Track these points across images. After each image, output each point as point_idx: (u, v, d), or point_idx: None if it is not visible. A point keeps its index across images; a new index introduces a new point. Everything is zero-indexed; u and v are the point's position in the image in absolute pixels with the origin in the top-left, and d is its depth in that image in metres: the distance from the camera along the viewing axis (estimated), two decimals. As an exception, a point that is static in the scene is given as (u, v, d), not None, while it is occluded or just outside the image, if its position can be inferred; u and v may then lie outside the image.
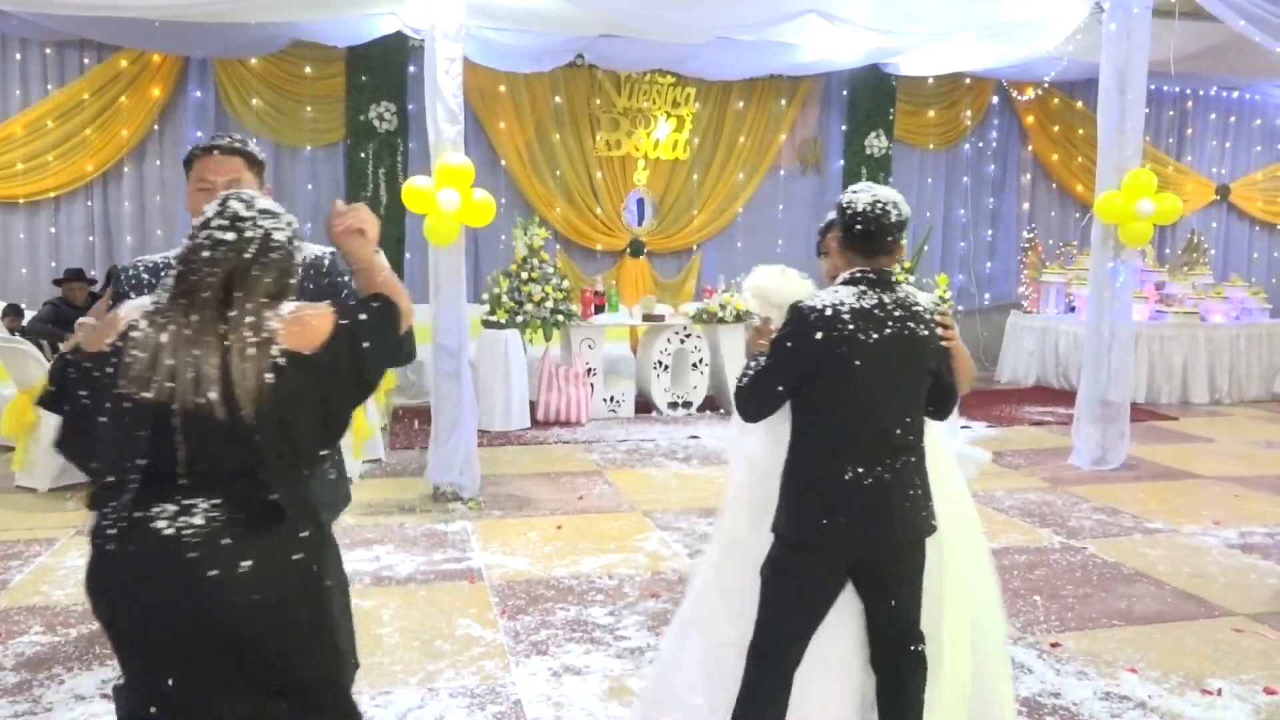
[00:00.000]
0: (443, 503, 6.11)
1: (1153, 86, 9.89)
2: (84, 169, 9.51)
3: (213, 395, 1.93)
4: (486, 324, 8.53)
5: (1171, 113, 12.78)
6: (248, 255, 2.04)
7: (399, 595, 4.61)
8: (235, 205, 2.08)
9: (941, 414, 2.84)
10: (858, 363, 2.55)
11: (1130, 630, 4.32)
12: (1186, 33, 8.25)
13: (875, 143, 11.47)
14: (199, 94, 9.76)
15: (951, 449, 3.34)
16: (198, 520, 1.95)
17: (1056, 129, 12.31)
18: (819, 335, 2.56)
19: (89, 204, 9.70)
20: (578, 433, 8.32)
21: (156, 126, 9.75)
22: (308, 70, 9.92)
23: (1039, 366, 10.86)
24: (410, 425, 8.35)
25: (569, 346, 8.91)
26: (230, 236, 2.05)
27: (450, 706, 3.54)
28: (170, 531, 1.93)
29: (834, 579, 2.67)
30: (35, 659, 3.88)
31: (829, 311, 2.57)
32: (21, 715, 3.44)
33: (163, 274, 2.49)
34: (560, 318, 8.57)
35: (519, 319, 8.47)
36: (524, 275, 8.53)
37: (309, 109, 10.00)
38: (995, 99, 12.14)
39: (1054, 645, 4.13)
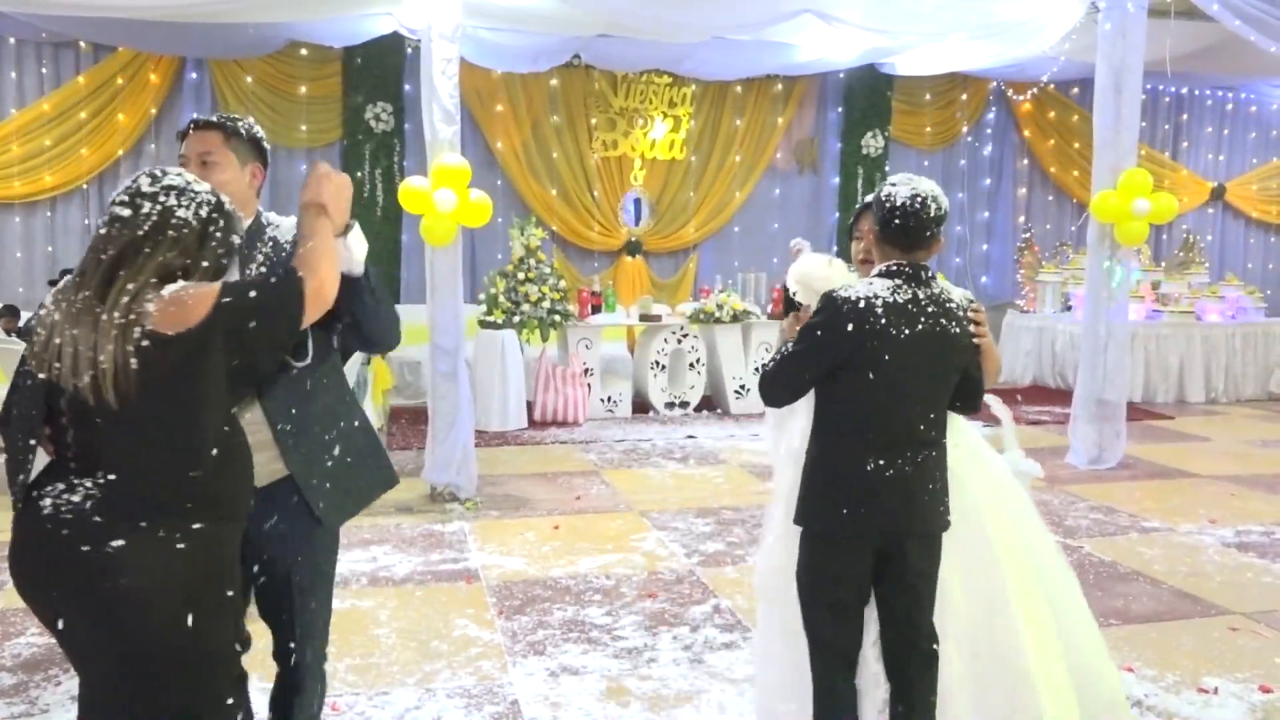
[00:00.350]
0: (440, 503, 6.11)
1: (1148, 86, 9.92)
2: (79, 170, 9.50)
3: (86, 379, 1.88)
4: (483, 324, 8.53)
5: (1167, 112, 12.81)
6: (141, 233, 1.96)
7: (396, 596, 4.61)
8: (141, 181, 2.02)
9: (969, 409, 2.85)
10: (888, 357, 2.55)
11: (1127, 629, 4.32)
12: (1182, 32, 8.25)
13: (871, 142, 11.48)
14: (195, 95, 9.76)
15: (1007, 461, 3.37)
16: (76, 497, 1.92)
17: (1052, 129, 12.33)
18: (850, 327, 2.55)
19: (85, 206, 9.69)
20: (575, 433, 8.32)
21: (152, 128, 9.75)
22: (304, 71, 9.91)
23: (1035, 366, 10.89)
24: (407, 425, 8.35)
25: (566, 347, 8.91)
26: (126, 213, 1.98)
27: (447, 707, 3.54)
28: (50, 510, 1.92)
29: (863, 566, 2.67)
30: (32, 660, 3.88)
31: (862, 304, 2.55)
32: (19, 717, 3.44)
33: None
34: (557, 318, 8.57)
35: (516, 319, 8.47)
36: (521, 275, 8.53)
37: (305, 109, 9.99)
38: (991, 99, 12.16)
39: (1051, 644, 4.14)
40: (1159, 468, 7.38)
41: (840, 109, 11.57)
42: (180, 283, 1.97)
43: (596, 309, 9.10)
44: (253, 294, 1.98)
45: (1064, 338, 10.45)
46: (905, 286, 2.60)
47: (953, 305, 2.66)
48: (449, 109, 6.03)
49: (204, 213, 2.03)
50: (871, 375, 2.56)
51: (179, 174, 2.07)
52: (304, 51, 9.78)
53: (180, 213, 2.00)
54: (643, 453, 7.67)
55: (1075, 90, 12.05)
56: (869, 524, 2.59)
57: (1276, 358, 10.62)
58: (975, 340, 2.71)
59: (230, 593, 2.04)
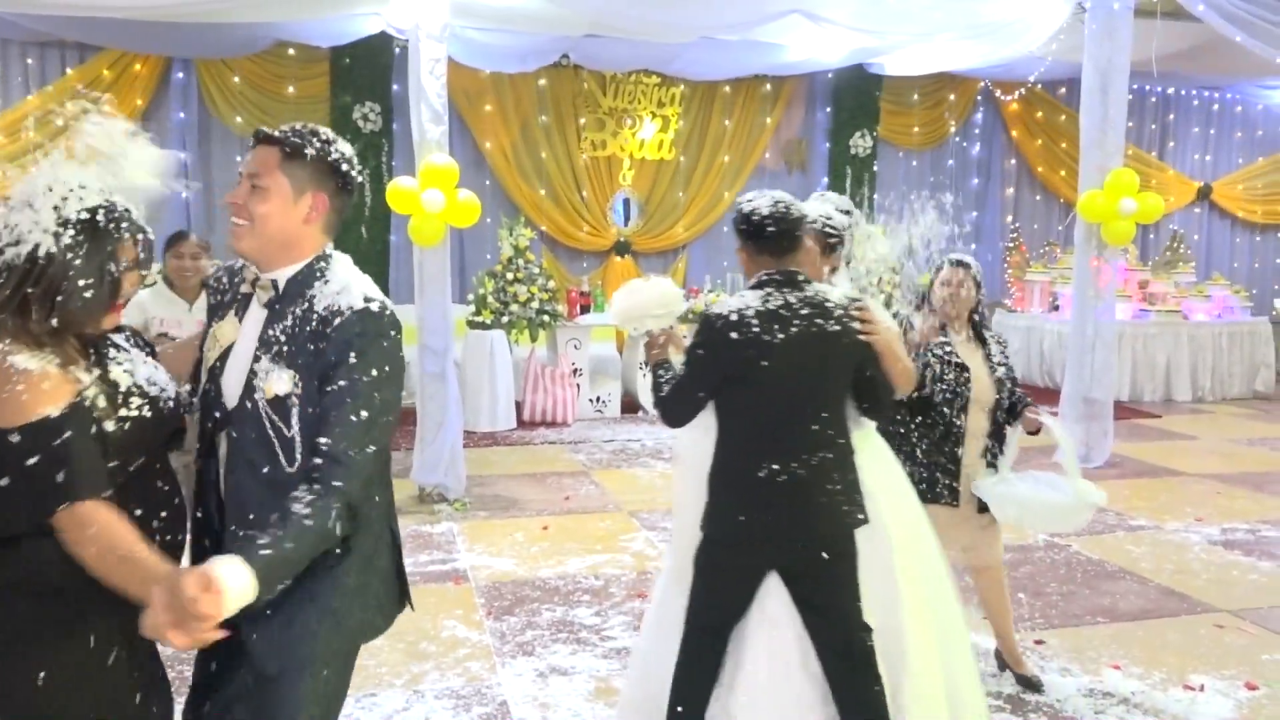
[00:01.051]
0: (428, 504, 6.10)
1: (1135, 86, 9.96)
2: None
3: None
4: (472, 324, 8.52)
5: (1154, 112, 12.86)
6: None
7: (384, 597, 4.59)
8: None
9: (877, 413, 2.86)
10: (765, 364, 2.60)
11: (1114, 627, 4.34)
12: (1168, 33, 8.29)
13: (860, 142, 11.50)
14: (181, 96, 9.71)
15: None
16: None
17: (1040, 129, 12.37)
18: (731, 337, 2.62)
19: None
20: (564, 433, 8.31)
21: (139, 129, 9.69)
22: (291, 70, 9.88)
23: (1023, 365, 10.90)
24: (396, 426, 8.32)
25: (555, 347, 8.90)
26: None
27: (436, 708, 3.54)
28: None
29: (756, 573, 2.70)
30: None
31: (735, 316, 2.63)
32: None
33: (236, 277, 2.10)
34: (546, 318, 8.56)
35: (505, 319, 8.46)
36: (509, 275, 8.52)
37: (293, 109, 9.95)
38: (979, 99, 12.20)
39: (1038, 642, 4.15)
40: (1146, 466, 7.41)
41: (828, 109, 11.58)
42: (41, 362, 1.68)
43: (585, 309, 9.11)
44: (33, 461, 1.64)
45: (1051, 337, 10.49)
46: (776, 294, 2.67)
47: (830, 304, 2.70)
48: (437, 109, 6.02)
49: (65, 236, 1.71)
50: (754, 383, 2.62)
51: (58, 185, 1.77)
52: (291, 51, 9.73)
53: (27, 234, 1.70)
54: (632, 453, 7.67)
55: (1062, 90, 12.09)
56: (768, 531, 2.63)
57: (1262, 356, 10.68)
58: (864, 338, 2.72)
59: (79, 659, 1.81)
